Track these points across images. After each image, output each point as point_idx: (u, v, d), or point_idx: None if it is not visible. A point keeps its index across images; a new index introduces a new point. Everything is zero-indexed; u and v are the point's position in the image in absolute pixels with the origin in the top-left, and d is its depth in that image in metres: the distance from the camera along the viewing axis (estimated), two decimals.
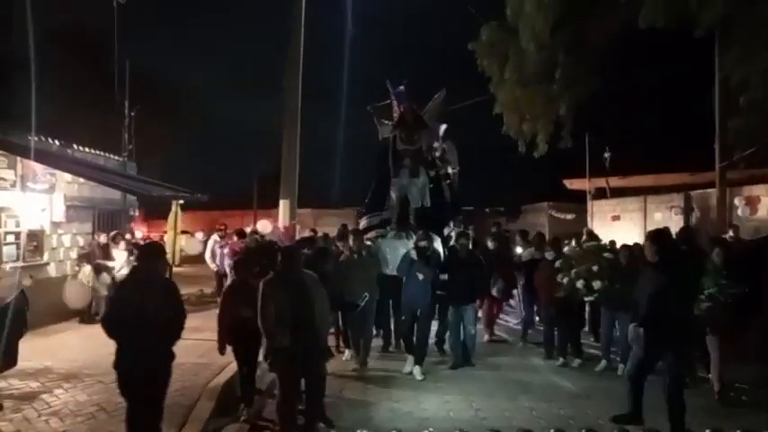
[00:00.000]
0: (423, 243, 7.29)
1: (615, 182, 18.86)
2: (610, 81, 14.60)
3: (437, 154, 12.45)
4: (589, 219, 18.83)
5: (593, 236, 9.30)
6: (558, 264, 7.46)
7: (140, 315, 4.20)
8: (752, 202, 11.97)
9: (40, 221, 9.80)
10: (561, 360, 7.42)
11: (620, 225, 16.57)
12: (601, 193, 19.73)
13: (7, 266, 8.94)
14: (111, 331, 4.28)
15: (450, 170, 12.91)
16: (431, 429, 5.08)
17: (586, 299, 7.35)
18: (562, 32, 13.29)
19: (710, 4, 9.34)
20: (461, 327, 7.49)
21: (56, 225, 10.23)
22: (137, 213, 12.96)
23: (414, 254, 7.26)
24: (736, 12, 9.41)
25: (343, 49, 18.21)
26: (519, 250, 9.51)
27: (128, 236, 10.97)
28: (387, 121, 10.42)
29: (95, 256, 10.08)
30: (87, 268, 9.85)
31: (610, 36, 12.95)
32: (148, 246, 5.60)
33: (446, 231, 9.97)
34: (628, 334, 5.28)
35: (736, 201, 12.22)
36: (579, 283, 7.08)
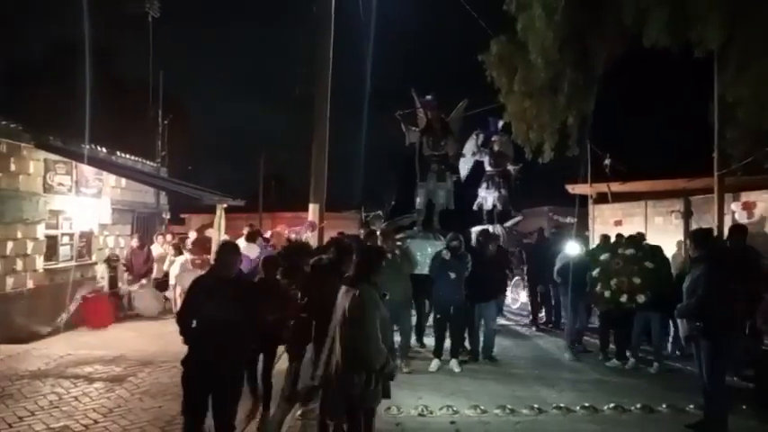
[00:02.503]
0: (454, 243, 7.72)
1: (616, 187, 19.66)
2: (614, 93, 15.45)
3: (495, 148, 13.04)
4: (591, 222, 19.64)
5: (635, 242, 8.29)
6: (595, 273, 7.52)
7: (205, 315, 4.11)
8: (748, 207, 12.81)
9: (89, 224, 10.51)
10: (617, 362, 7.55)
11: (622, 229, 17.42)
12: (602, 198, 20.54)
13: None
14: (182, 330, 4.23)
15: (509, 167, 13.35)
16: (480, 406, 5.86)
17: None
18: (570, 49, 14.10)
19: (709, 29, 10.22)
20: (482, 323, 7.94)
21: (102, 227, 10.93)
22: (168, 216, 13.64)
23: (446, 254, 7.64)
24: (730, 42, 10.29)
25: (353, 60, 18.92)
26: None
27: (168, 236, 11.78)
28: (413, 128, 10.86)
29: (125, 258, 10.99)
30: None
31: (615, 53, 13.81)
32: (223, 245, 5.14)
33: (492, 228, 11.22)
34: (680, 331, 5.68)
35: (733, 206, 13.08)
36: (623, 298, 7.15)
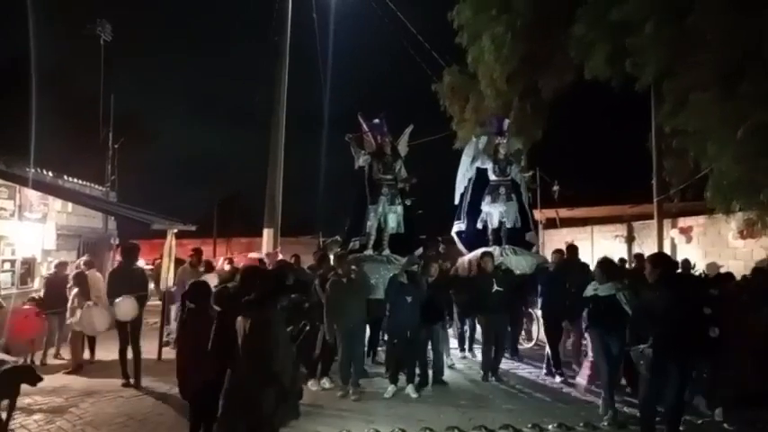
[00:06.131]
0: (413, 267, 7.82)
1: (564, 212, 20.39)
2: (559, 122, 16.14)
3: (501, 152, 10.91)
4: (541, 248, 20.21)
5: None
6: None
7: None
8: (685, 232, 13.55)
9: (32, 249, 10.15)
10: None
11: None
12: (550, 224, 21.22)
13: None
14: None
15: (519, 174, 11.17)
16: (430, 427, 5.93)
17: None
18: (518, 80, 14.73)
19: (644, 66, 10.91)
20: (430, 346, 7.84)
21: (46, 253, 10.58)
22: (117, 242, 13.31)
23: (403, 278, 7.59)
24: (667, 76, 10.98)
25: (311, 86, 19.19)
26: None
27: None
28: (363, 151, 10.52)
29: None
30: None
31: (561, 85, 14.51)
32: None
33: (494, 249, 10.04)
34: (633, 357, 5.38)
35: (672, 232, 13.82)
36: None
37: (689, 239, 13.44)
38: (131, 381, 7.29)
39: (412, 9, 16.70)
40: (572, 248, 8.85)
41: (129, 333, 7.36)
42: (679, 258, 11.55)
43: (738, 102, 9.53)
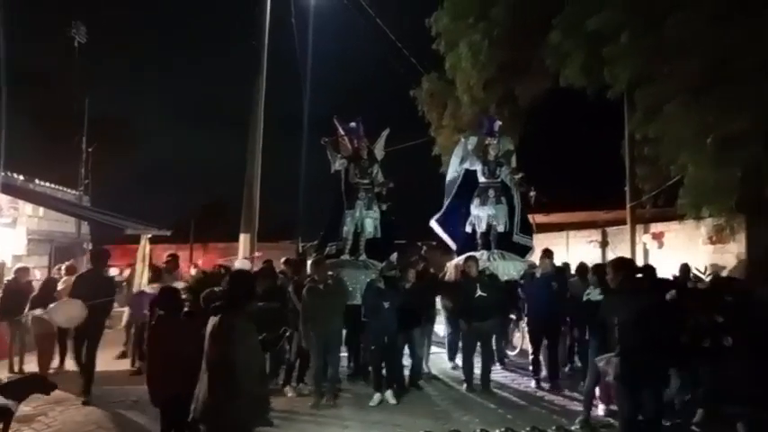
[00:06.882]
0: (391, 272, 7.79)
1: (540, 218, 20.59)
2: (536, 129, 16.34)
3: (491, 153, 10.54)
4: None
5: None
6: None
7: None
8: (657, 237, 13.82)
9: (2, 255, 9.95)
10: None
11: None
12: None
13: None
14: None
15: (509, 176, 10.53)
16: None
17: None
18: (494, 88, 14.90)
19: (618, 75, 11.10)
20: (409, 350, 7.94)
21: (17, 258, 10.38)
22: (90, 247, 13.08)
23: (380, 283, 7.57)
24: (639, 85, 11.19)
25: (290, 91, 19.17)
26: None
27: None
28: (339, 155, 10.33)
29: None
30: None
31: (537, 92, 14.71)
32: None
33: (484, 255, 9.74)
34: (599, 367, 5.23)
35: (645, 237, 14.08)
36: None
37: (660, 245, 13.69)
38: (84, 398, 6.83)
39: (391, 15, 16.82)
40: (547, 253, 8.71)
41: (84, 341, 6.99)
42: (654, 262, 11.76)
43: (711, 110, 9.74)
